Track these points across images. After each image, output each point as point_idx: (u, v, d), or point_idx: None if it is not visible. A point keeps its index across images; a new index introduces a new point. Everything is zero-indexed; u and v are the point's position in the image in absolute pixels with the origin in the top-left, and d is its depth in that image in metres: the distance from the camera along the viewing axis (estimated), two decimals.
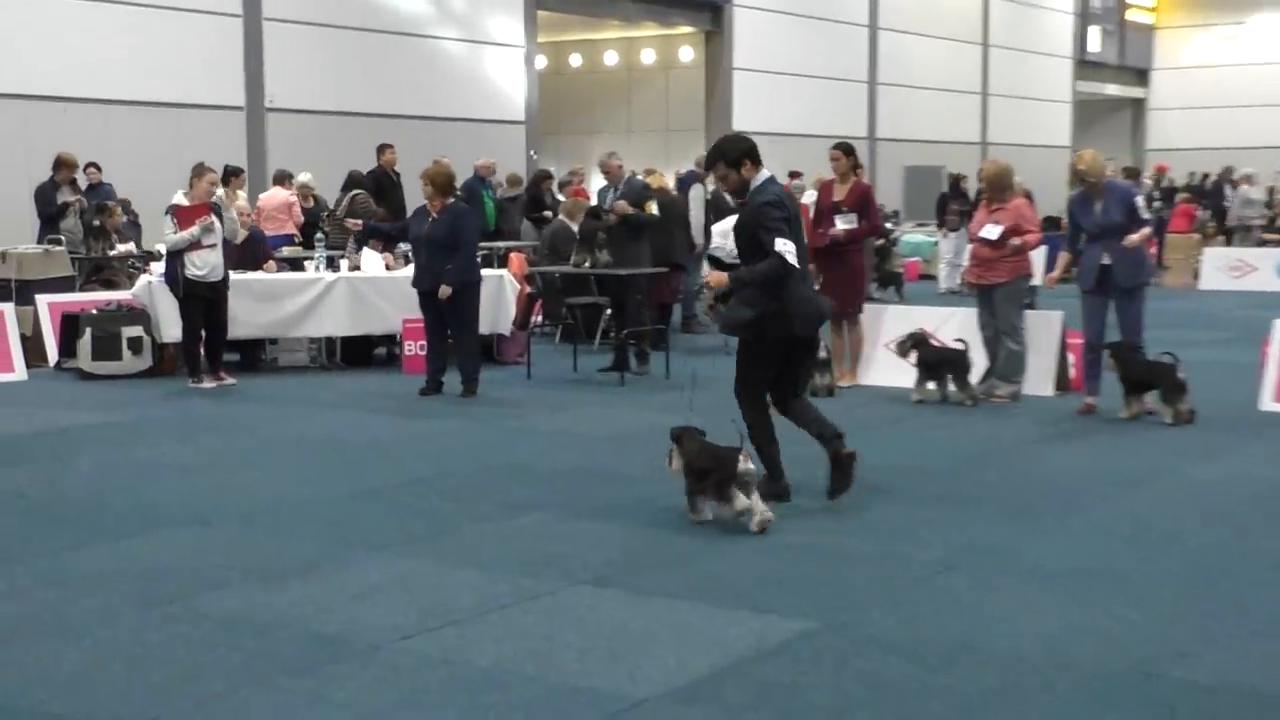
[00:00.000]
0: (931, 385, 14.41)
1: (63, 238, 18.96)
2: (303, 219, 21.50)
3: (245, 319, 15.98)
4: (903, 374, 14.86)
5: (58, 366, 16.67)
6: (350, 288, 16.51)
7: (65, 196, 19.34)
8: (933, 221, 32.36)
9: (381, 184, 21.74)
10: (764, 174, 9.46)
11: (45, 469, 10.92)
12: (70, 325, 16.40)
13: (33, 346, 16.67)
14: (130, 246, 19.89)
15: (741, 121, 36.73)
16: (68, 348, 16.36)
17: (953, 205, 29.07)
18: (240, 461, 11.11)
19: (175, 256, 14.75)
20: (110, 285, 18.53)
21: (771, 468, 9.58)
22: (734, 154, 9.46)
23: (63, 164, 19.49)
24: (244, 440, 11.97)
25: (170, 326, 15.58)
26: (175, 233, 14.63)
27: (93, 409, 13.84)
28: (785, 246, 9.18)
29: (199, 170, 15.10)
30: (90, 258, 19.17)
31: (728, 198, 13.62)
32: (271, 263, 17.28)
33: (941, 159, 43.35)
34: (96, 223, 19.15)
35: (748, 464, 8.72)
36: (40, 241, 18.91)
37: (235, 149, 24.59)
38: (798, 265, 9.27)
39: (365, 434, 12.21)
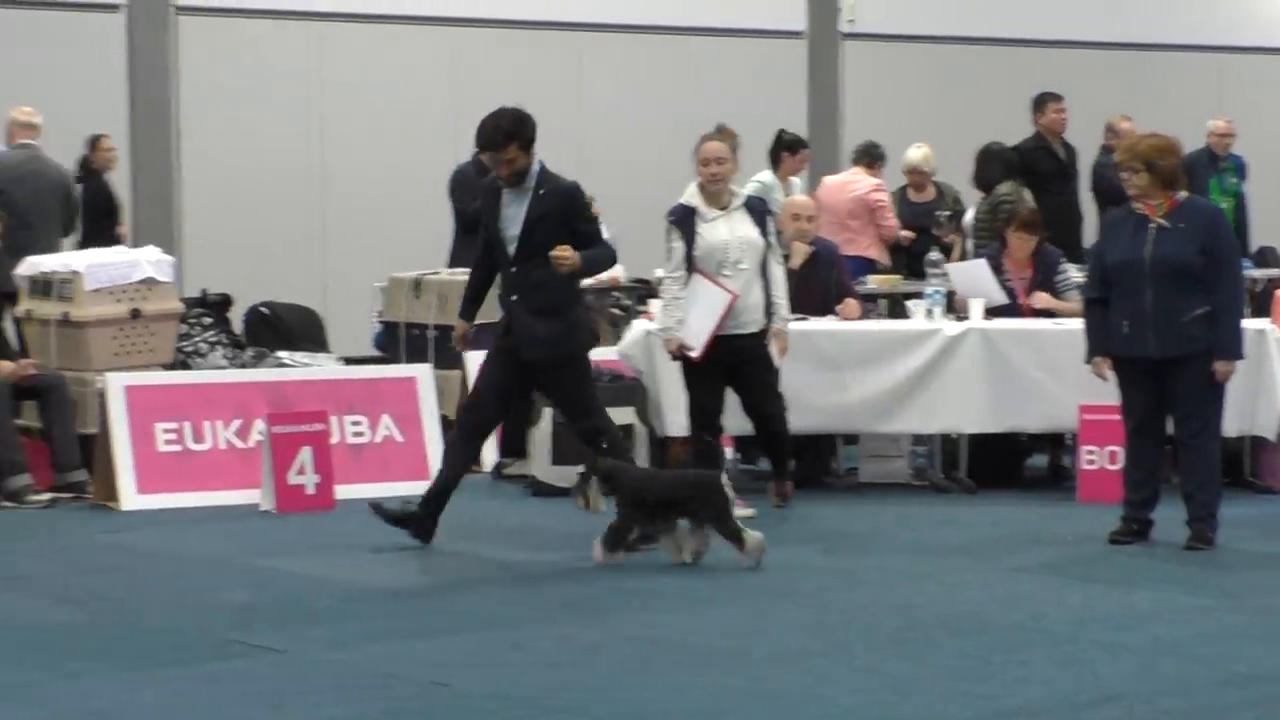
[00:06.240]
0: None
1: None
2: (898, 226, 16.92)
3: (803, 400, 13.17)
4: None
5: (497, 473, 14.27)
6: (989, 349, 13.44)
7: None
8: None
9: (1039, 165, 17.07)
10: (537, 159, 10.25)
11: None
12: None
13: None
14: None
15: None
16: (509, 439, 14.18)
17: None
18: (789, 652, 9.20)
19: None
20: None
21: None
22: (531, 132, 10.12)
23: None
24: (796, 614, 10.10)
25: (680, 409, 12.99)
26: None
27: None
28: (610, 235, 10.49)
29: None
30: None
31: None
32: (853, 302, 14.10)
33: None
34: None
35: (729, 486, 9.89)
36: (456, 258, 15.45)
37: (792, 103, 21.20)
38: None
39: (1011, 612, 10.11)
